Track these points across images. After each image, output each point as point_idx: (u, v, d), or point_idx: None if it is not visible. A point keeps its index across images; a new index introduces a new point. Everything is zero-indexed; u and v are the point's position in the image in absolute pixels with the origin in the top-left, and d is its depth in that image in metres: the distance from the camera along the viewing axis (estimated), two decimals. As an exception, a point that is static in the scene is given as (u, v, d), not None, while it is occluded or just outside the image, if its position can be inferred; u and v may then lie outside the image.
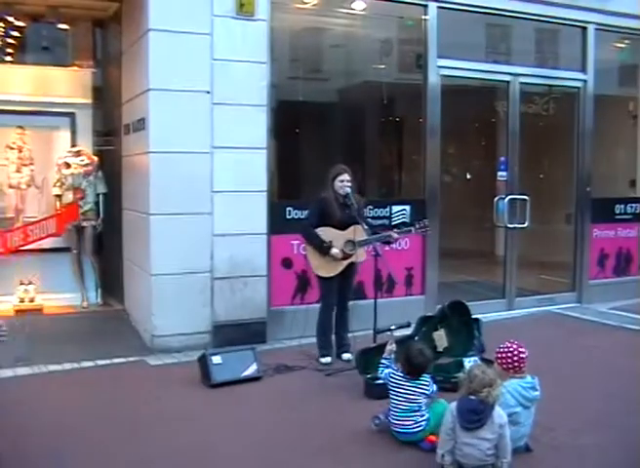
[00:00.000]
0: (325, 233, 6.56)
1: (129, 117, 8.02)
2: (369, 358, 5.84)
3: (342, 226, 6.55)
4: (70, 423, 5.12)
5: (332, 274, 6.63)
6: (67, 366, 6.57)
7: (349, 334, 6.83)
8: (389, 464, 4.52)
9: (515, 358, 4.61)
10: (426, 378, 4.86)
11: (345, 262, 6.59)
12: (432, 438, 4.62)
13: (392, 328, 6.06)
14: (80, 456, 4.56)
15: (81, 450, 4.65)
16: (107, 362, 6.72)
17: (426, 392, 4.80)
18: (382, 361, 5.24)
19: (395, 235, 6.66)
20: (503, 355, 4.66)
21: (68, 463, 4.48)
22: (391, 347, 5.36)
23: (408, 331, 6.30)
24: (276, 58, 7.71)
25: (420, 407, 4.76)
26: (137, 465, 4.47)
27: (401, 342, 5.91)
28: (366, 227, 6.49)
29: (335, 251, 6.50)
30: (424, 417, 4.73)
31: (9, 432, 4.90)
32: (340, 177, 6.57)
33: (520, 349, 4.63)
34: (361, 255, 6.63)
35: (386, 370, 5.07)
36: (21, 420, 5.13)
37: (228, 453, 4.68)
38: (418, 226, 6.74)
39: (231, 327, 7.23)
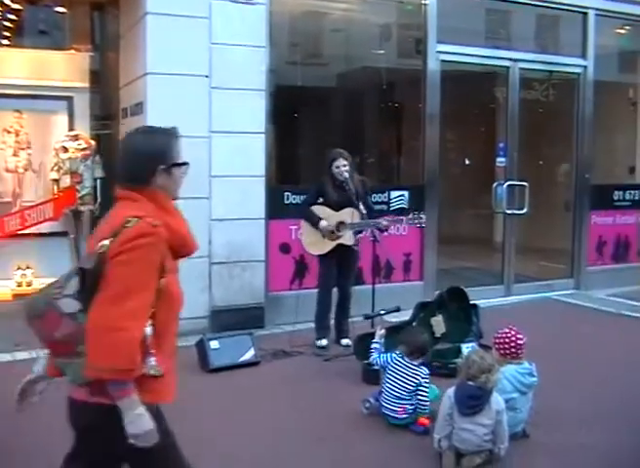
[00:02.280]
0: (318, 210, 6.59)
1: (126, 101, 7.98)
2: (367, 343, 5.82)
3: (338, 208, 6.56)
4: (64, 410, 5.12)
5: (319, 252, 6.67)
6: (65, 350, 6.56)
7: (349, 320, 6.85)
8: (385, 449, 4.53)
9: (513, 344, 4.62)
10: (424, 369, 4.89)
11: (334, 243, 6.59)
12: (424, 421, 4.68)
13: (382, 312, 6.08)
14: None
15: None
16: (105, 346, 6.71)
17: (419, 381, 4.82)
18: (373, 345, 5.26)
19: (385, 222, 6.49)
20: (501, 341, 4.67)
21: (65, 448, 4.47)
22: (381, 332, 5.37)
23: (400, 317, 6.31)
24: (275, 42, 7.67)
25: (411, 395, 4.79)
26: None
27: (398, 328, 5.93)
28: (364, 212, 6.44)
29: (323, 223, 6.52)
30: (413, 406, 4.78)
31: (8, 417, 4.90)
32: (336, 163, 6.55)
33: (518, 335, 4.64)
34: (349, 239, 6.58)
35: (384, 355, 5.09)
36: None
37: (225, 438, 4.69)
38: (410, 217, 6.59)
39: (229, 312, 7.23)
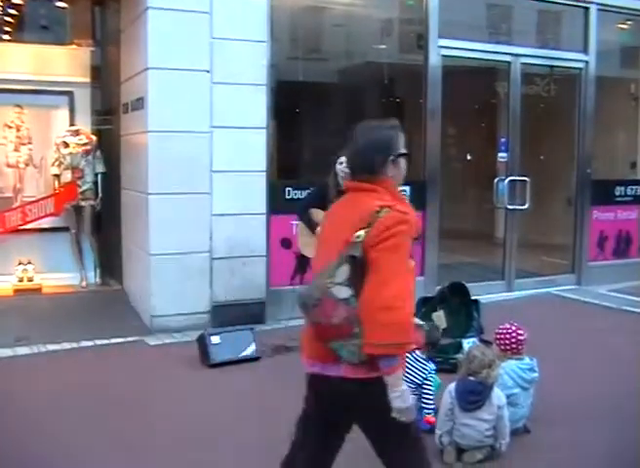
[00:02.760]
0: (318, 215, 6.56)
1: (127, 96, 7.98)
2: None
3: None
4: (69, 403, 5.13)
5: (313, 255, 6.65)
6: (66, 345, 6.58)
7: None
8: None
9: (514, 339, 4.64)
10: (431, 365, 4.86)
11: None
12: (431, 419, 4.62)
13: None
14: (80, 435, 4.58)
15: (81, 430, 4.67)
16: (106, 342, 6.73)
17: (425, 375, 4.78)
18: None
19: None
20: (502, 336, 4.68)
21: (68, 442, 4.49)
22: None
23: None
24: (276, 37, 7.66)
25: (415, 387, 4.72)
26: (137, 444, 4.48)
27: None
28: None
29: (320, 229, 6.48)
30: (417, 398, 4.68)
31: (8, 412, 4.92)
32: (340, 159, 6.54)
33: (519, 331, 4.66)
34: None
35: None
36: (21, 400, 5.15)
37: (227, 433, 4.69)
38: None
39: (230, 307, 7.23)
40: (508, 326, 4.72)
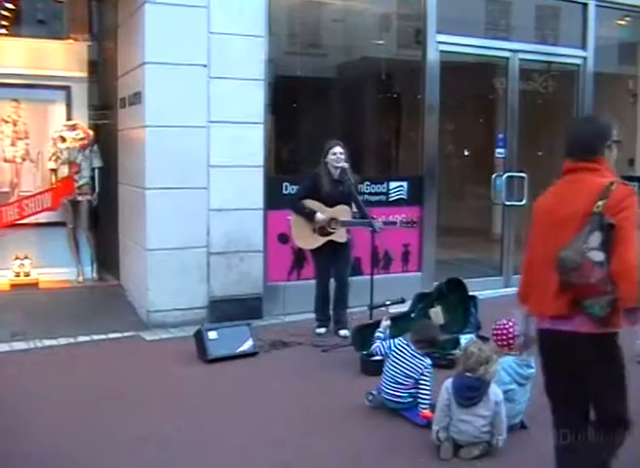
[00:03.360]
0: (312, 205, 6.58)
1: (125, 91, 7.95)
2: (365, 334, 5.83)
3: (331, 203, 6.54)
4: (65, 398, 5.12)
5: (309, 247, 6.70)
6: (63, 341, 6.57)
7: (347, 311, 6.85)
8: (384, 440, 4.53)
9: (510, 335, 4.64)
10: (428, 360, 4.87)
11: (324, 239, 6.58)
12: (428, 414, 4.63)
13: (387, 303, 6.07)
14: (75, 431, 4.57)
15: (76, 425, 4.67)
16: (103, 337, 6.72)
17: (422, 370, 4.81)
18: (377, 334, 5.26)
19: (379, 225, 6.52)
20: (499, 332, 4.70)
21: (62, 438, 4.48)
22: (387, 323, 5.38)
23: (403, 308, 6.30)
24: (274, 32, 7.64)
25: (411, 382, 4.80)
26: (134, 440, 4.47)
27: (398, 319, 5.93)
28: (355, 210, 6.52)
29: (319, 215, 6.50)
30: (414, 393, 4.79)
31: (5, 408, 4.91)
32: (333, 150, 6.55)
33: (511, 325, 4.65)
34: (342, 236, 6.60)
35: (388, 341, 5.10)
36: (18, 395, 5.14)
37: (224, 428, 4.69)
38: (404, 222, 6.97)
39: (227, 302, 7.23)
40: (505, 321, 4.73)
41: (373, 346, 5.22)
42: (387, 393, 4.89)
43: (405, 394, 4.82)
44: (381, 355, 5.14)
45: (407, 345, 4.94)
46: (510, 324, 4.67)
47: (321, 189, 6.56)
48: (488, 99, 11.25)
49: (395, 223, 6.96)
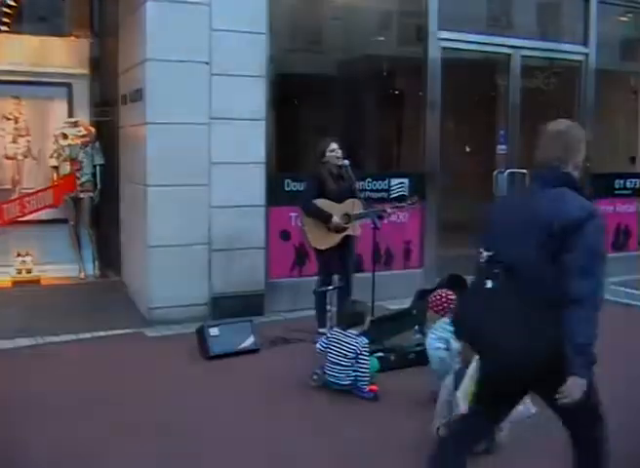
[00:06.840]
0: (323, 205, 6.54)
1: (126, 88, 7.96)
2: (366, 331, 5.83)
3: (339, 199, 6.53)
4: (68, 394, 5.13)
5: (328, 246, 6.62)
6: (65, 337, 6.58)
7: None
8: (390, 434, 4.54)
9: (444, 299, 5.08)
10: (363, 339, 5.18)
11: (341, 235, 6.57)
12: (373, 387, 5.11)
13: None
14: (78, 426, 4.58)
15: (79, 421, 4.67)
16: (105, 333, 6.72)
17: (358, 349, 5.11)
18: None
19: (389, 210, 6.77)
20: (435, 301, 5.13)
21: (65, 433, 4.49)
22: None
23: (398, 305, 6.32)
24: (275, 29, 7.63)
25: (351, 362, 5.10)
26: (135, 435, 4.48)
27: (397, 316, 5.95)
28: (363, 201, 6.54)
29: (335, 219, 6.47)
30: (354, 373, 5.12)
31: (8, 404, 4.91)
32: (331, 147, 6.54)
33: (448, 292, 5.13)
34: (357, 229, 6.62)
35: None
36: (20, 392, 5.15)
37: (225, 424, 4.70)
38: (410, 202, 7.04)
39: (229, 299, 7.23)
40: (439, 291, 5.22)
41: (317, 345, 5.45)
42: (332, 376, 5.17)
43: (344, 374, 5.11)
44: (323, 349, 5.34)
45: (341, 329, 5.28)
46: (444, 293, 5.11)
47: (326, 189, 6.53)
48: (490, 96, 11.22)
49: (403, 206, 7.11)
